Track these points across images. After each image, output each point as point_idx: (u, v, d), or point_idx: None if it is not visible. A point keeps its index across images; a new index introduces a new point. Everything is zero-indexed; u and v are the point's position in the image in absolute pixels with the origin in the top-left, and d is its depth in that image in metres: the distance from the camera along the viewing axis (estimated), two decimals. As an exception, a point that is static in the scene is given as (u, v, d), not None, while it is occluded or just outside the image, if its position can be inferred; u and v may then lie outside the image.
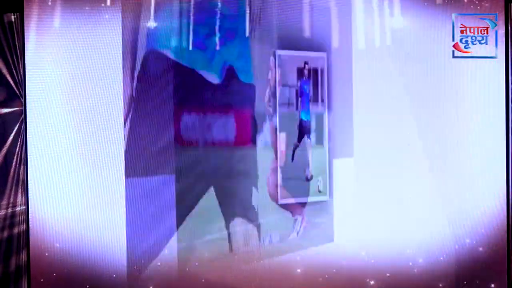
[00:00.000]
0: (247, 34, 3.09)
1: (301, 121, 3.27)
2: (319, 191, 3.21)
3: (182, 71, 3.06)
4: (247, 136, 3.16)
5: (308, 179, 3.24)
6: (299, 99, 3.25)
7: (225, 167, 3.14)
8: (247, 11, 3.04)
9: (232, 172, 3.16)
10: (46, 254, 3.36)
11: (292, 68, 3.19)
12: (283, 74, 3.19)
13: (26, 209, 3.39)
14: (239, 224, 3.16)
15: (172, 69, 3.07)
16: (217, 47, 3.10)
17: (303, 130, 3.26)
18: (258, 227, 3.18)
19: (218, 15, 3.02)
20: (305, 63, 3.17)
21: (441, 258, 3.12)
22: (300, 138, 3.27)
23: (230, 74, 3.11)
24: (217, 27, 3.04)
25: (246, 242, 3.14)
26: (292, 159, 3.25)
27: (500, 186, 3.05)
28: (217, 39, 3.06)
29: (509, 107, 3.01)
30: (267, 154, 3.26)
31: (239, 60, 3.10)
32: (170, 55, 3.06)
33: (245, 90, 3.12)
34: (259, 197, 3.19)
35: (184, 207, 3.12)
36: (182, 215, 3.13)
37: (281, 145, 3.23)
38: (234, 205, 3.16)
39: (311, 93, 3.23)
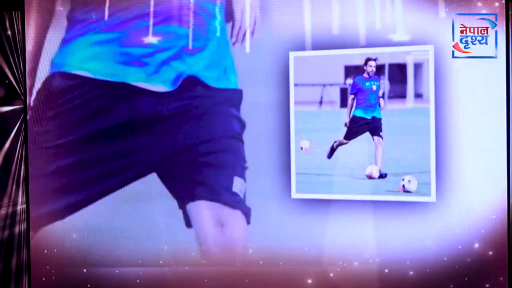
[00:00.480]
0: (231, 45, 3.31)
1: (356, 119, 3.24)
2: (405, 191, 3.11)
3: (103, 86, 3.43)
4: (222, 133, 3.34)
5: (372, 177, 3.17)
6: (352, 96, 3.23)
7: (179, 158, 3.38)
8: (231, 24, 3.30)
9: (190, 163, 3.37)
10: (45, 251, 3.41)
11: (327, 67, 3.23)
12: (308, 73, 3.26)
13: (27, 207, 3.45)
14: (205, 207, 3.37)
15: (88, 85, 3.45)
16: (165, 62, 3.38)
17: (361, 128, 3.22)
18: (246, 211, 3.33)
19: (163, 36, 3.37)
20: (369, 59, 3.16)
21: (445, 259, 3.13)
22: (350, 136, 3.23)
23: (189, 83, 3.35)
24: (162, 46, 3.37)
25: (220, 223, 3.36)
26: (330, 156, 3.24)
27: (501, 185, 3.03)
28: (164, 56, 3.37)
29: (509, 107, 3.00)
30: (267, 150, 3.31)
31: (207, 70, 3.34)
32: (87, 74, 3.45)
33: (216, 95, 3.34)
34: (248, 186, 3.32)
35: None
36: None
37: (303, 143, 3.27)
38: (194, 190, 3.37)
39: (385, 90, 3.18)
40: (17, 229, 3.46)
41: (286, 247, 3.30)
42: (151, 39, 3.37)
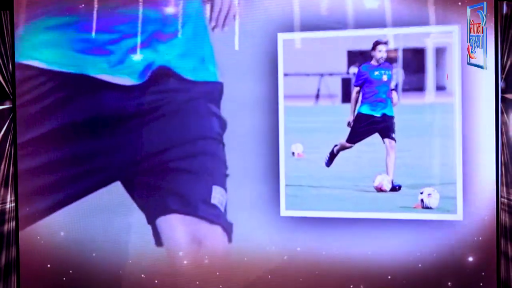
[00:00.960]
0: (210, 30, 3.09)
1: (362, 117, 2.98)
2: (424, 207, 2.85)
3: (59, 78, 3.27)
4: (199, 134, 3.14)
5: (382, 190, 2.93)
6: (357, 89, 3.00)
7: (146, 163, 3.21)
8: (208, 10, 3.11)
9: (160, 169, 3.19)
10: (35, 250, 3.39)
11: (326, 53, 2.98)
12: (302, 61, 3.01)
13: (15, 206, 3.43)
14: (179, 222, 3.16)
15: (41, 77, 3.29)
16: (131, 51, 3.19)
17: (369, 129, 2.98)
18: (227, 227, 3.12)
19: (130, 20, 3.17)
20: (379, 43, 2.90)
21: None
22: (354, 138, 2.99)
23: (160, 74, 3.15)
24: (129, 31, 3.20)
25: (196, 240, 3.16)
26: (328, 163, 3.01)
27: (490, 191, 2.83)
28: (131, 43, 3.18)
29: (498, 109, 2.82)
30: (252, 154, 3.07)
31: (182, 59, 3.14)
32: (40, 64, 3.29)
33: (193, 89, 3.13)
34: (230, 198, 3.12)
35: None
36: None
37: (296, 147, 3.04)
38: (165, 202, 3.18)
39: (398, 81, 2.93)
40: (6, 227, 3.44)
41: (275, 271, 3.08)
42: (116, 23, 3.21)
